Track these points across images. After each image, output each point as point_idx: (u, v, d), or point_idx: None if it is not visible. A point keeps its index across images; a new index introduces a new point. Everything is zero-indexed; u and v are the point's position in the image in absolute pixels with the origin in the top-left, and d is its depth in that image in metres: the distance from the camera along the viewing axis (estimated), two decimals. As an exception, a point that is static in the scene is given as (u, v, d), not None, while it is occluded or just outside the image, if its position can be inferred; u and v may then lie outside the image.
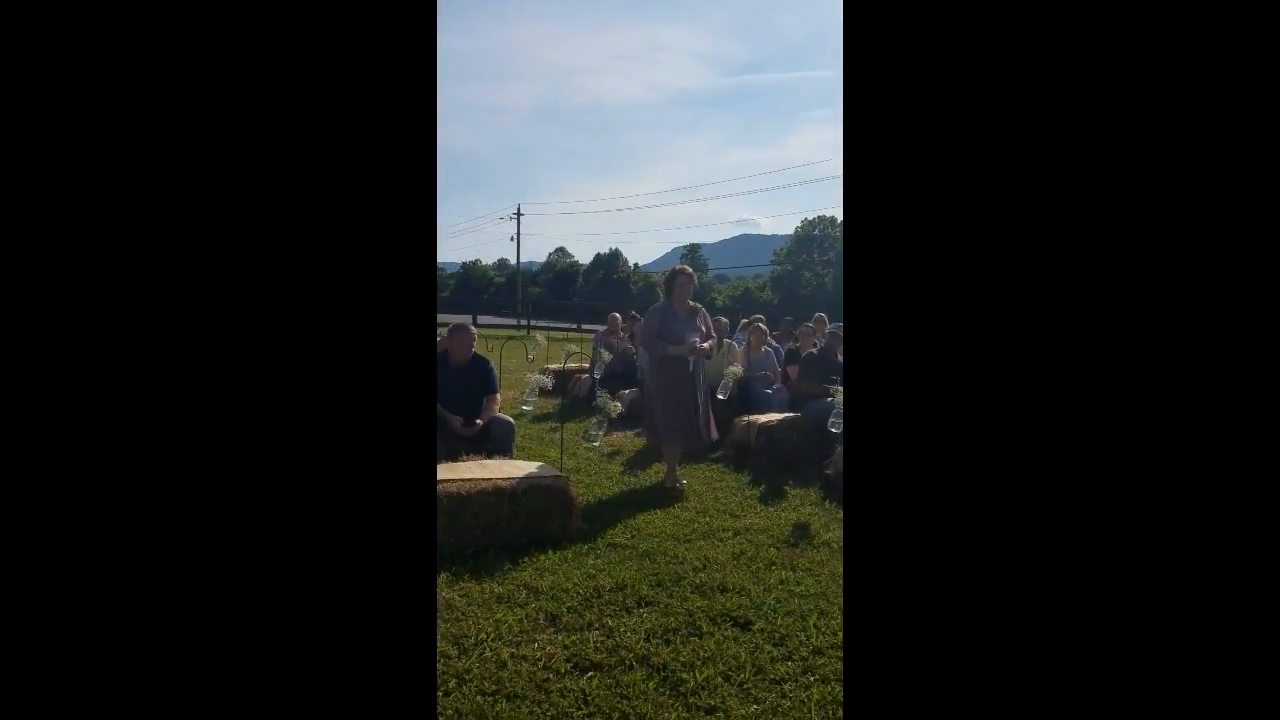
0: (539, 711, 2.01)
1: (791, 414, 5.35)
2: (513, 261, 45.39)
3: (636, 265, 54.96)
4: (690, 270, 4.65)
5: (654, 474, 4.66)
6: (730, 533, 3.58)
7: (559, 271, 53.29)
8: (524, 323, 24.19)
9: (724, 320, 6.68)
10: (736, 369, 5.28)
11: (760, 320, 6.80)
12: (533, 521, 3.27)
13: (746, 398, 5.76)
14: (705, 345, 4.33)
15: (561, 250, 56.94)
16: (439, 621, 2.55)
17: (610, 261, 51.56)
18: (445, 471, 3.34)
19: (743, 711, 2.03)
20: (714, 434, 4.55)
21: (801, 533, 3.60)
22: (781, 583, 2.94)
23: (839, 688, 2.13)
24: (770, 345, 6.56)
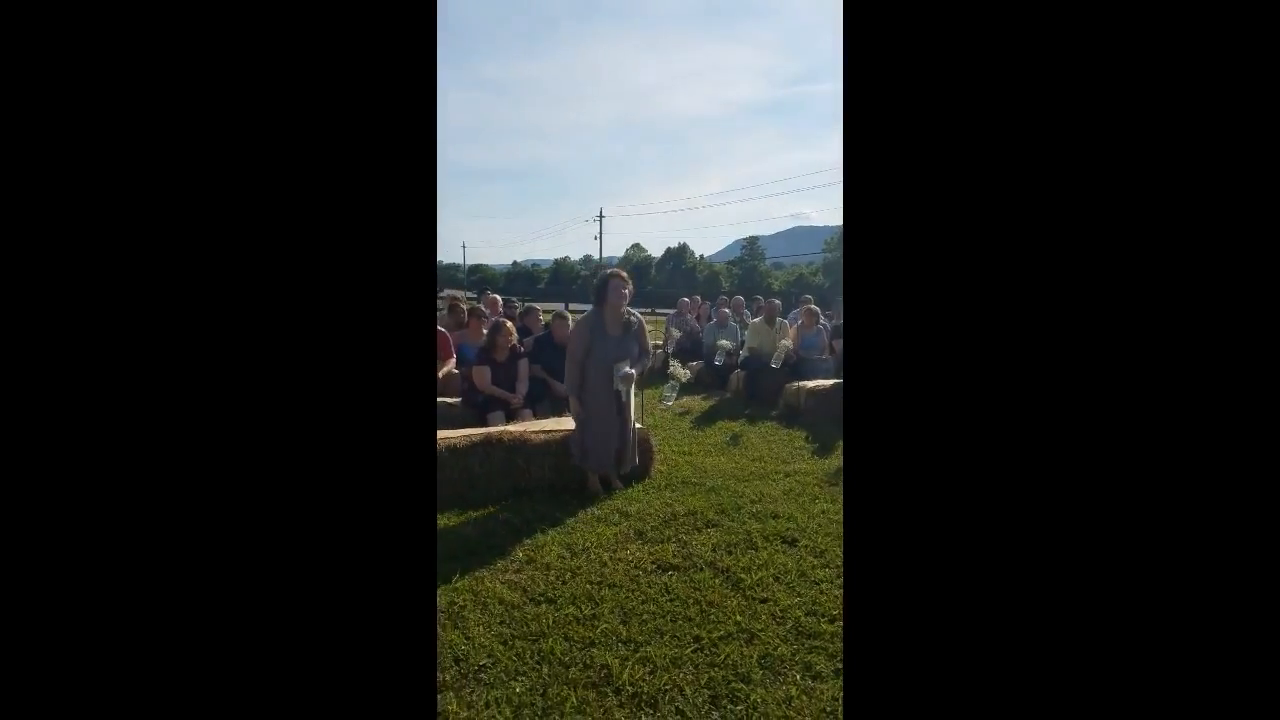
0: (633, 597, 2.27)
1: (838, 380, 5.47)
2: (596, 257, 46.22)
3: (702, 256, 54.81)
4: (624, 275, 3.33)
5: (718, 429, 4.89)
6: (782, 474, 3.76)
7: (636, 264, 53.40)
8: (607, 308, 24.46)
9: (777, 302, 6.80)
10: (787, 343, 5.54)
11: (811, 302, 6.93)
12: (622, 463, 3.54)
13: (797, 367, 5.92)
14: (634, 371, 3.34)
15: (637, 245, 56.94)
16: (556, 531, 2.85)
17: (679, 254, 51.50)
18: (560, 423, 3.67)
19: (788, 601, 2.24)
20: (633, 459, 3.48)
21: (841, 475, 3.75)
22: (823, 512, 3.12)
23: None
24: (821, 324, 6.67)
